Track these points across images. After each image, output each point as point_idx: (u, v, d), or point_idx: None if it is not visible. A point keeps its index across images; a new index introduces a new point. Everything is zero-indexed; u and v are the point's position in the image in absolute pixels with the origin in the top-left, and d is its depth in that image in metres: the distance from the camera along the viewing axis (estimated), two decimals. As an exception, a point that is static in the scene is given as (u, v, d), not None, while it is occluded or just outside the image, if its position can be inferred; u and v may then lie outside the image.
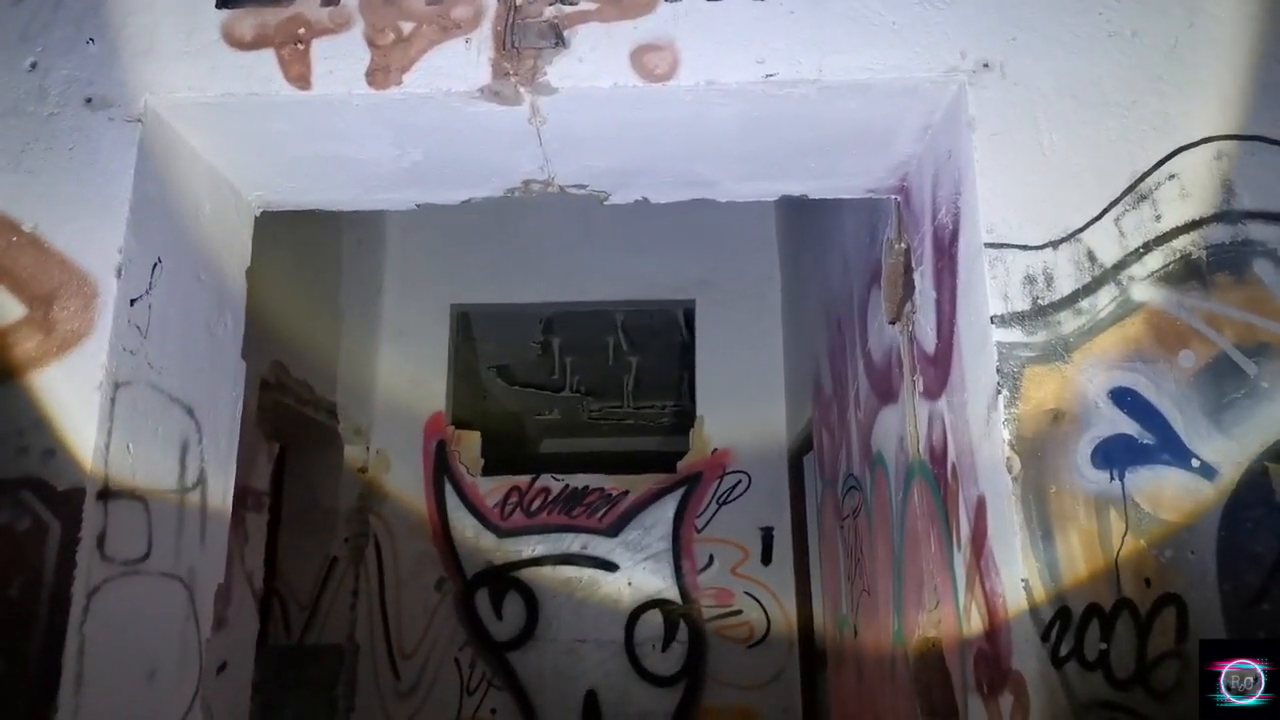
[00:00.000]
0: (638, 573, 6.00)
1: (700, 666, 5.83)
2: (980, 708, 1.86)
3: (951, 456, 2.06)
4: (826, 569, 4.43)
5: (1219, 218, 1.79)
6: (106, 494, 1.86)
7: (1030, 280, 1.80)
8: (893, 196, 2.46)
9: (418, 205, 2.54)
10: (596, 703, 5.82)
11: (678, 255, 6.49)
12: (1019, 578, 1.66)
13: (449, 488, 6.18)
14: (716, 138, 2.18)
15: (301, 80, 2.00)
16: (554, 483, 6.19)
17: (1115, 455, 1.70)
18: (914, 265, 2.34)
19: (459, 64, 1.99)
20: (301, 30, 2.01)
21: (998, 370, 1.76)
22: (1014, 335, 1.78)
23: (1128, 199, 1.82)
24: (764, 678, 5.78)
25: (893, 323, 2.57)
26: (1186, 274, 1.77)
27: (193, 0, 2.06)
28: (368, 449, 6.19)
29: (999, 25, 1.95)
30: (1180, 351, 1.73)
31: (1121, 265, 1.79)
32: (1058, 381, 1.74)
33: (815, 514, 5.03)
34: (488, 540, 6.08)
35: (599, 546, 6.07)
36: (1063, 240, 1.81)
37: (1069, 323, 1.77)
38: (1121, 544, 1.66)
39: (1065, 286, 1.79)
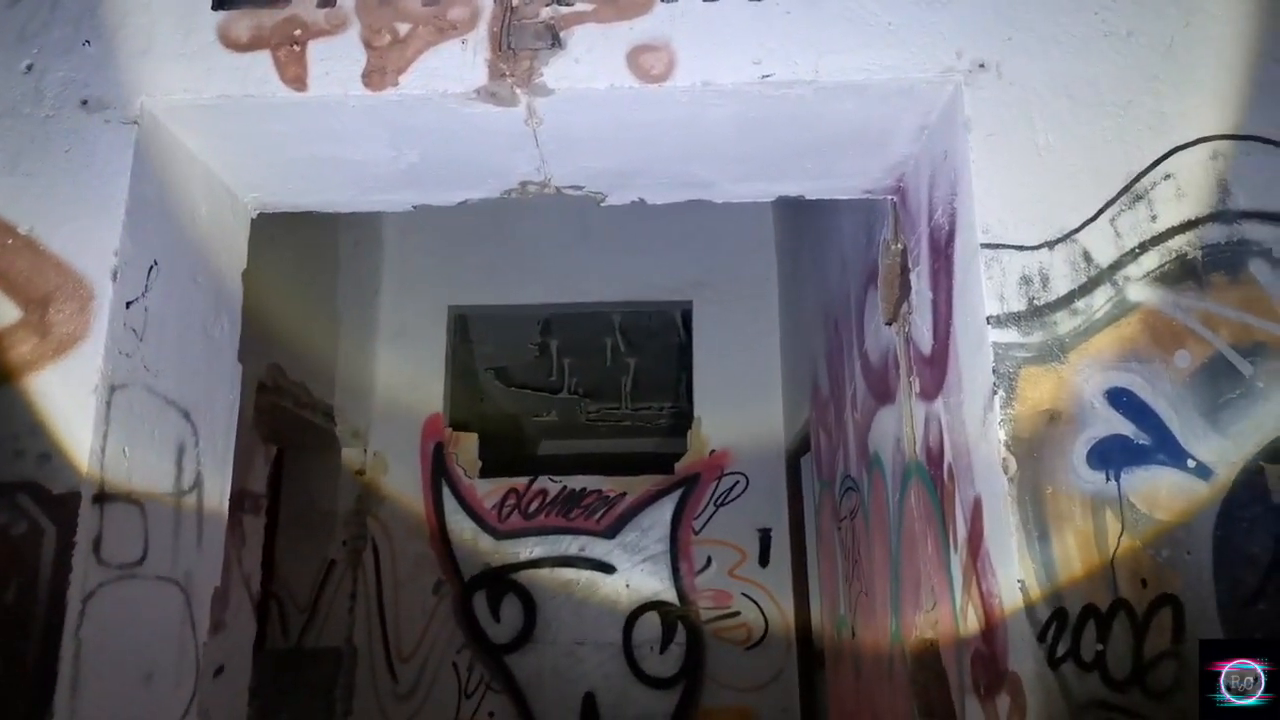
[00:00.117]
0: (636, 574, 6.00)
1: (698, 668, 5.82)
2: (977, 708, 1.86)
3: (948, 457, 2.06)
4: (824, 570, 4.43)
5: (1215, 218, 1.79)
6: (102, 497, 1.85)
7: (1026, 281, 1.80)
8: (889, 197, 2.46)
9: (414, 207, 2.54)
10: (595, 705, 5.82)
11: (675, 256, 6.49)
12: (1015, 578, 1.66)
13: (446, 490, 6.18)
14: (713, 138, 2.18)
15: (297, 82, 1.99)
16: (552, 484, 6.18)
17: (1111, 455, 1.70)
18: (910, 266, 2.34)
19: (455, 65, 1.99)
20: (297, 32, 2.01)
21: (994, 371, 1.76)
22: (1010, 336, 1.78)
23: (1123, 199, 1.82)
24: (762, 679, 5.78)
25: (889, 323, 2.57)
26: (1182, 274, 1.77)
27: (189, 2, 2.05)
28: (365, 451, 6.18)
29: (995, 25, 1.95)
30: (1176, 351, 1.73)
31: (1117, 265, 1.79)
32: (1054, 382, 1.75)
33: (813, 515, 5.03)
34: (485, 542, 6.08)
35: (597, 548, 6.06)
36: (1058, 240, 1.82)
37: (1065, 323, 1.77)
38: (1117, 544, 1.66)
39: (1061, 287, 1.79)
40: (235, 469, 2.42)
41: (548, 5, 2.00)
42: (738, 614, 5.89)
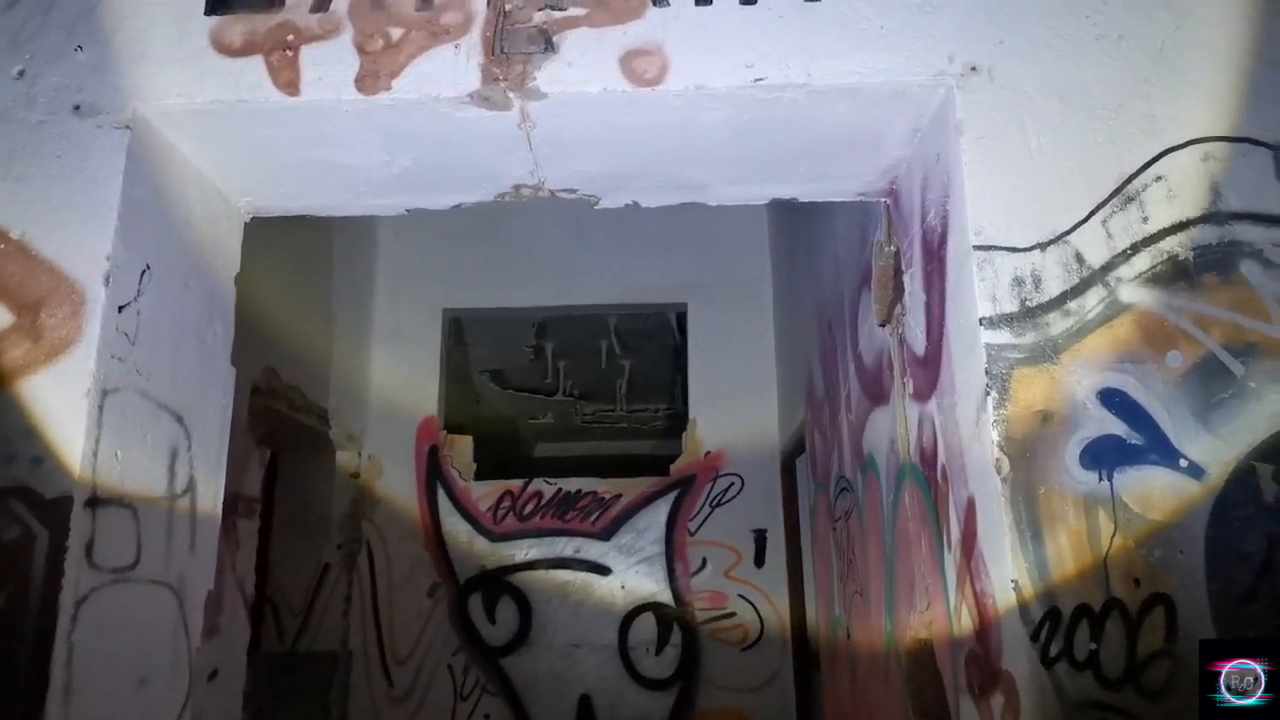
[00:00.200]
0: (631, 576, 6.00)
1: (694, 669, 5.82)
2: (971, 708, 1.86)
3: (941, 458, 2.06)
4: (819, 571, 4.43)
5: (1206, 219, 1.80)
6: (95, 501, 1.85)
7: (1018, 282, 1.81)
8: (882, 199, 2.47)
9: (408, 210, 2.53)
10: (591, 707, 5.81)
11: (670, 258, 6.50)
12: (1009, 578, 1.67)
13: (442, 492, 6.17)
14: (706, 142, 2.19)
15: (290, 86, 1.99)
16: (547, 486, 6.18)
17: (1104, 456, 1.70)
18: (904, 268, 2.35)
19: (448, 69, 1.99)
20: (290, 37, 2.01)
21: (987, 372, 1.77)
22: (1002, 337, 1.78)
23: (1115, 201, 1.83)
24: (758, 680, 5.78)
25: (883, 325, 2.57)
26: (1174, 275, 1.78)
27: (182, 7, 2.05)
28: (360, 454, 6.17)
29: (986, 29, 1.96)
30: (1168, 352, 1.74)
31: (1109, 267, 1.79)
32: (1046, 383, 1.75)
33: (808, 516, 5.03)
34: (481, 545, 6.07)
35: (592, 550, 6.06)
36: (1051, 242, 1.82)
37: (1057, 324, 1.78)
38: (1110, 544, 1.66)
39: (1053, 288, 1.80)
40: (229, 473, 2.42)
41: (540, 9, 2.00)
42: (733, 615, 5.89)
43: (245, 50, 2.01)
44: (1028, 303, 1.79)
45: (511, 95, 1.99)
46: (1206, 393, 1.71)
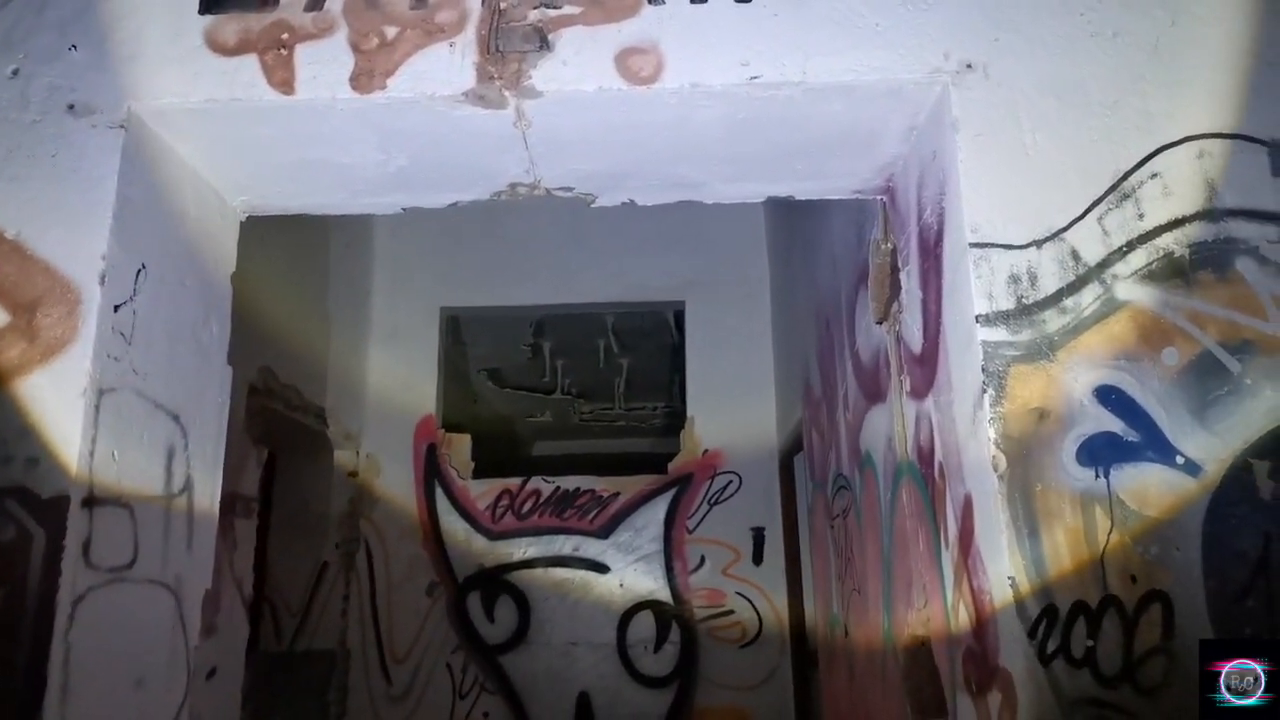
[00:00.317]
0: (629, 574, 6.00)
1: (693, 667, 5.83)
2: (969, 705, 1.87)
3: (938, 456, 2.06)
4: (817, 568, 4.43)
5: (1201, 216, 1.80)
6: (91, 501, 1.85)
7: (1015, 279, 1.81)
8: (879, 197, 2.47)
9: (404, 209, 2.53)
10: (589, 705, 5.82)
11: (667, 257, 6.50)
12: (1005, 575, 1.67)
13: (440, 491, 6.17)
14: (702, 140, 2.19)
15: (285, 85, 1.99)
16: (545, 485, 6.18)
17: (1100, 453, 1.70)
18: (900, 265, 2.35)
19: (443, 68, 1.99)
20: (285, 35, 2.01)
21: (983, 369, 1.77)
22: (999, 334, 1.78)
23: (1111, 198, 1.83)
24: (756, 678, 5.78)
25: (880, 323, 2.57)
26: (1170, 272, 1.78)
27: (176, 6, 2.05)
28: (358, 453, 6.17)
29: (982, 26, 1.96)
30: (1164, 349, 1.74)
31: (1105, 264, 1.79)
32: (1043, 380, 1.75)
33: (806, 514, 5.04)
34: (479, 543, 6.08)
35: (590, 548, 6.06)
36: (1046, 239, 1.82)
37: (1053, 321, 1.78)
38: (1107, 541, 1.66)
39: (1049, 285, 1.80)
40: (227, 472, 2.42)
41: (535, 8, 2.00)
42: (731, 613, 5.90)
43: (240, 49, 2.01)
44: (1024, 300, 1.79)
45: (507, 94, 1.99)
46: (1202, 390, 1.71)
